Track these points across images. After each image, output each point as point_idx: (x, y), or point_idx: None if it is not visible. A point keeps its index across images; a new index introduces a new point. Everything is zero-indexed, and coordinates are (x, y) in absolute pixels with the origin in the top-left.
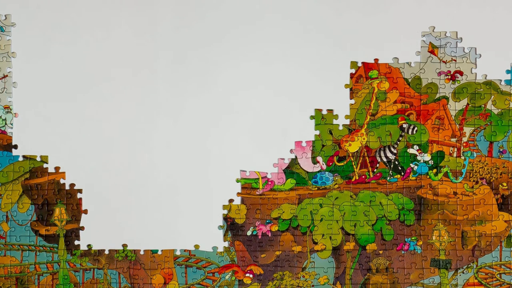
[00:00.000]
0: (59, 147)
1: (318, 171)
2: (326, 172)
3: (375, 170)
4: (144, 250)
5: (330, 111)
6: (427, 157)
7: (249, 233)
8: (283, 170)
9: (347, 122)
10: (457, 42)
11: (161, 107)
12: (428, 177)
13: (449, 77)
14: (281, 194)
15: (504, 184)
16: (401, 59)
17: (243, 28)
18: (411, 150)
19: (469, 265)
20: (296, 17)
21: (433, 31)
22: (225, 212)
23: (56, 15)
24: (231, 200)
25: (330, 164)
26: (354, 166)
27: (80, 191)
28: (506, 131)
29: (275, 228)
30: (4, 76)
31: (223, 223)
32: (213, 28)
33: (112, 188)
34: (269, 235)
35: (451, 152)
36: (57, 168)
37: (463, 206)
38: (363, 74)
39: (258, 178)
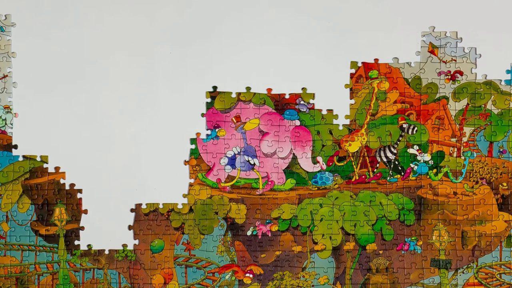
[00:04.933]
0: (59, 147)
1: (318, 171)
2: (326, 172)
3: (375, 170)
4: (144, 250)
5: (330, 111)
6: (427, 157)
7: (249, 233)
8: (283, 170)
9: (347, 122)
10: (457, 42)
11: (162, 107)
12: (428, 177)
13: (449, 77)
14: (281, 194)
15: (504, 184)
16: (401, 59)
17: (242, 27)
18: (411, 150)
19: (469, 265)
20: (296, 17)
21: (433, 31)
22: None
23: (56, 15)
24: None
25: (330, 164)
26: (354, 166)
27: (80, 191)
28: (506, 131)
29: (275, 228)
30: (4, 76)
31: (223, 223)
32: (211, 25)
33: (112, 188)
34: (269, 235)
35: (451, 152)
36: (57, 168)
37: (463, 206)
38: (363, 74)
39: (258, 178)
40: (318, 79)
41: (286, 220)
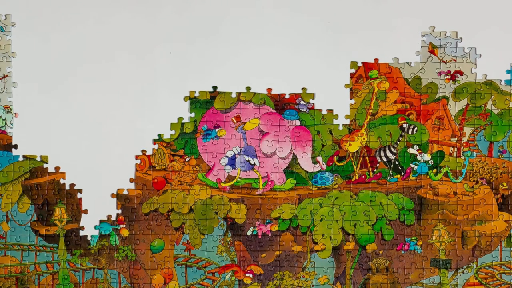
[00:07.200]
0: (59, 147)
1: (318, 171)
2: (326, 172)
3: (375, 170)
4: (144, 250)
5: (330, 111)
6: (427, 157)
7: (249, 233)
8: (283, 170)
9: (347, 122)
10: (457, 42)
11: (162, 107)
12: (428, 177)
13: (449, 77)
14: (281, 194)
15: (504, 184)
16: (401, 59)
17: (242, 27)
18: (411, 150)
19: (469, 265)
20: (296, 17)
21: (433, 31)
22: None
23: (56, 15)
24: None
25: (330, 164)
26: (354, 166)
27: (80, 191)
28: (506, 131)
29: (275, 228)
30: (4, 76)
31: (223, 223)
32: (212, 25)
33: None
34: (269, 235)
35: (451, 152)
36: (57, 168)
37: (463, 206)
38: (363, 74)
39: (258, 178)
40: (318, 79)
41: (286, 220)
